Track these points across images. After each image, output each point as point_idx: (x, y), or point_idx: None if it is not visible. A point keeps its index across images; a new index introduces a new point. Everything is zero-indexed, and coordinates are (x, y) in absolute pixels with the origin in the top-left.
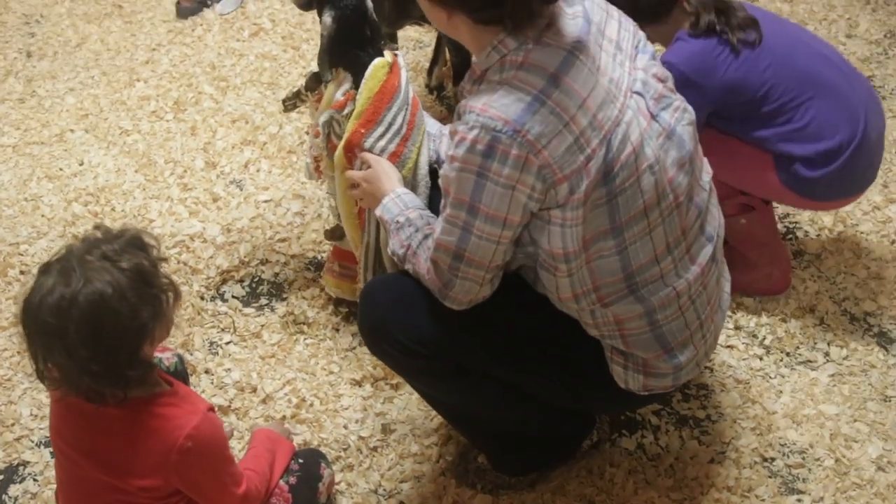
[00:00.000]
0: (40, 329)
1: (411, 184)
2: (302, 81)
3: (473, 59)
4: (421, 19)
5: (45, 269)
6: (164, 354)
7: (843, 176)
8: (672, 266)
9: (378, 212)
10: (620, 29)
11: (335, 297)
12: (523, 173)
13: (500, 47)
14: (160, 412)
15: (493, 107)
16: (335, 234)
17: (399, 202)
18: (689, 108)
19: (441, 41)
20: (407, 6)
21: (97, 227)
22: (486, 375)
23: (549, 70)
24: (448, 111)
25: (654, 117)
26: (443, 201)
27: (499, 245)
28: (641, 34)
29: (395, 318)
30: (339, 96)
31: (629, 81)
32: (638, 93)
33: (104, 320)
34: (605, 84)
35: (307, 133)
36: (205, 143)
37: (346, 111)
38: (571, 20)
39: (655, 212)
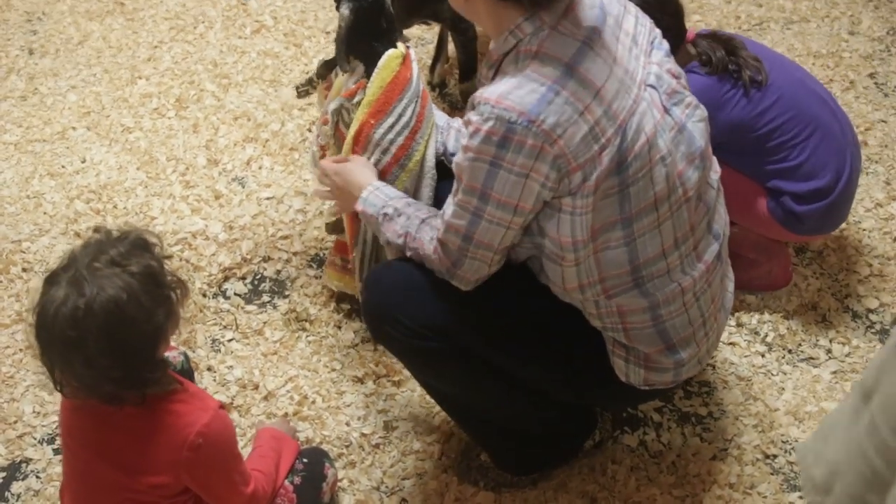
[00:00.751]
0: (58, 341)
1: (418, 176)
2: (313, 68)
3: (491, 45)
4: (429, 18)
5: (53, 279)
6: (171, 353)
7: (829, 213)
8: (679, 262)
9: (359, 206)
10: (637, 24)
11: (337, 291)
12: (538, 162)
13: (517, 32)
14: (172, 409)
15: (509, 98)
16: (337, 227)
17: (380, 194)
18: (701, 106)
19: (443, 39)
20: (416, 5)
21: (97, 229)
22: (489, 366)
23: (564, 60)
24: (450, 108)
25: (666, 111)
26: (455, 185)
27: (509, 229)
28: (657, 31)
29: (398, 301)
30: (350, 85)
31: (643, 74)
32: (652, 86)
33: (122, 327)
34: (620, 75)
35: (312, 126)
36: (207, 140)
37: (356, 99)
38: (589, 10)
39: (665, 205)
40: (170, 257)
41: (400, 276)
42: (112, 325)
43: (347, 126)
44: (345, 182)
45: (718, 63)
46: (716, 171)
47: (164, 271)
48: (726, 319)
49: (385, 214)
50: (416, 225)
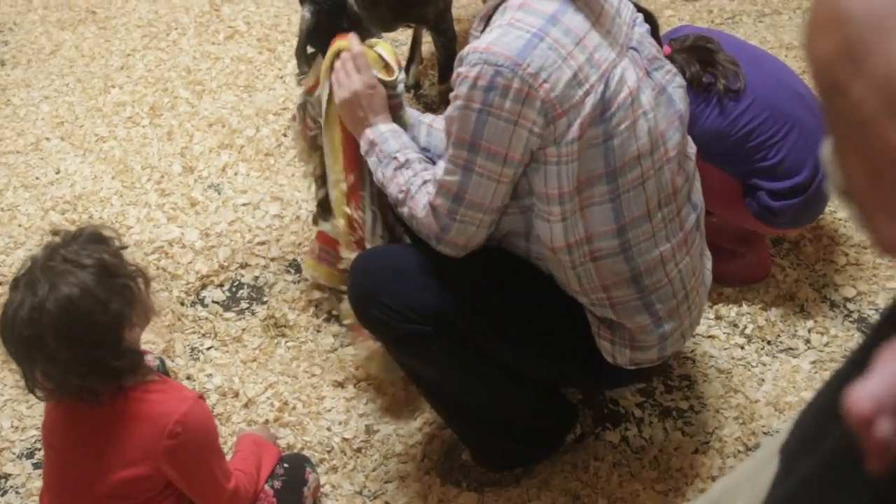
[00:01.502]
0: (20, 343)
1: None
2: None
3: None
4: (414, 21)
5: (14, 284)
6: (146, 357)
7: (804, 208)
8: (662, 225)
9: (371, 135)
10: (621, 2)
11: (311, 279)
12: (525, 107)
13: None
14: (150, 398)
15: (495, 45)
16: (321, 216)
17: (400, 138)
18: (680, 75)
19: (417, 40)
20: (402, 9)
21: (55, 232)
22: (476, 352)
23: (548, 12)
24: (425, 109)
25: (647, 74)
26: (445, 143)
27: (499, 184)
28: (639, 15)
29: (384, 284)
30: (311, 81)
31: (625, 38)
32: (634, 48)
33: (77, 322)
34: (603, 32)
35: (287, 131)
36: (182, 147)
37: (316, 94)
38: None
39: (649, 160)
40: (126, 248)
41: (387, 260)
42: (68, 321)
43: (313, 121)
44: (368, 94)
45: (692, 79)
46: (692, 146)
47: (121, 262)
48: (706, 296)
49: (396, 159)
50: (417, 185)
